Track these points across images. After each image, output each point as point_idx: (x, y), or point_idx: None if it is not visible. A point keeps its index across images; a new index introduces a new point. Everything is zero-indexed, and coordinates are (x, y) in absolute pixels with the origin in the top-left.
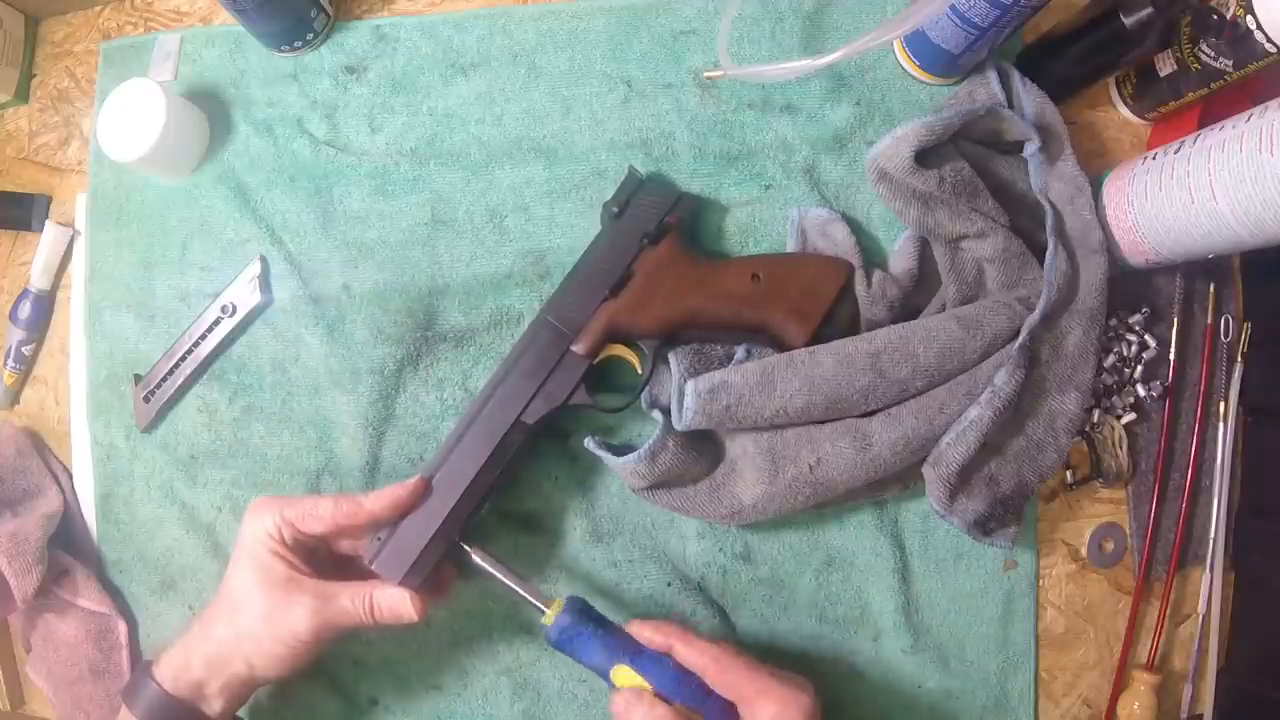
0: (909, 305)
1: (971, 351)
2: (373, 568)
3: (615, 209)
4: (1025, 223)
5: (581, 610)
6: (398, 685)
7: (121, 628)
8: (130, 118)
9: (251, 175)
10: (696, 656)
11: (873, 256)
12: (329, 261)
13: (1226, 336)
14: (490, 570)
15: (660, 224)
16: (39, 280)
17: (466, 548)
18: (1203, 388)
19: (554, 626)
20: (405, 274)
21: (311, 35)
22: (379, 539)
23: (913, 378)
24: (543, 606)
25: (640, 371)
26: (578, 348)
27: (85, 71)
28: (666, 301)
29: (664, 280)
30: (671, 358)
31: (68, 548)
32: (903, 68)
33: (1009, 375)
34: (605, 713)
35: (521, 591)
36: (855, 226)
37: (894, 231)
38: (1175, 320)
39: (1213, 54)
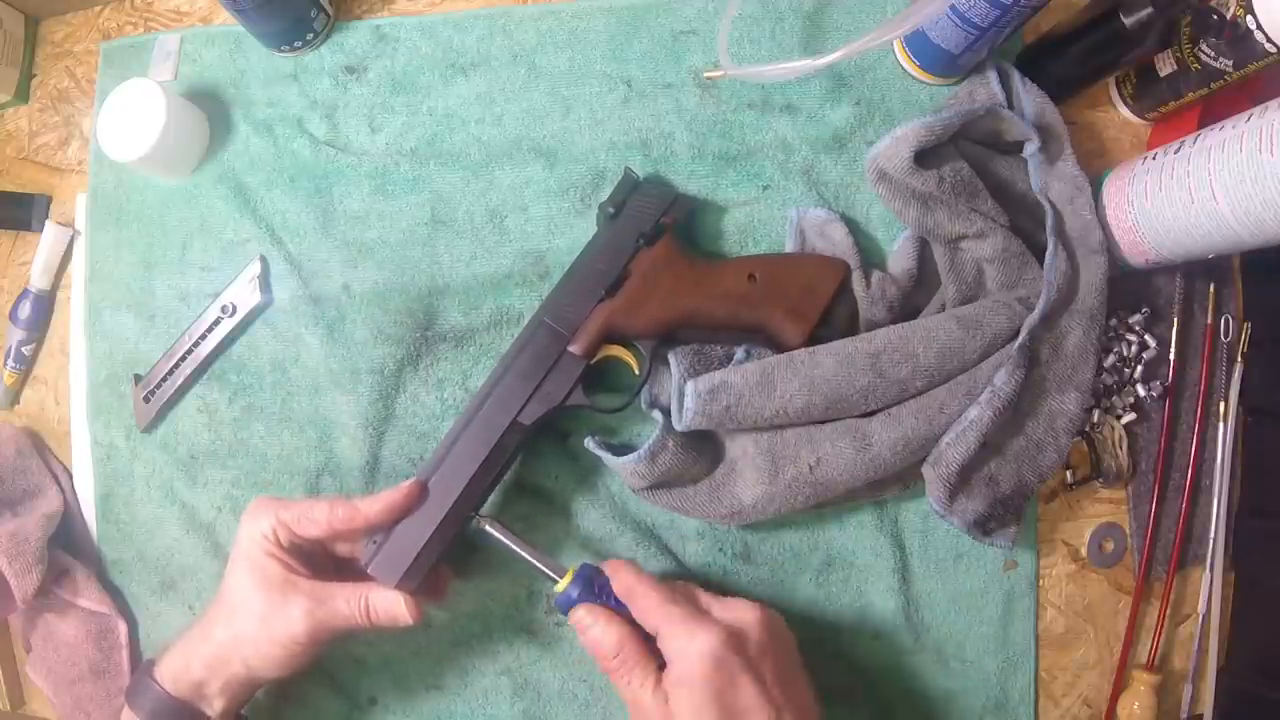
0: (908, 305)
1: (971, 351)
2: (369, 571)
3: (611, 209)
4: (1025, 223)
5: (591, 578)
6: (398, 685)
7: (121, 628)
8: (130, 118)
9: (251, 175)
10: (619, 587)
11: (871, 257)
12: (329, 261)
13: (1226, 336)
14: (503, 540)
15: (656, 224)
16: (39, 280)
17: (480, 518)
18: (1203, 388)
19: (563, 595)
20: (405, 274)
21: (311, 35)
22: (375, 542)
23: (913, 378)
24: (555, 576)
25: (637, 372)
26: (574, 348)
27: (85, 71)
28: (663, 302)
29: (660, 281)
30: (671, 358)
31: (68, 548)
32: (903, 68)
33: (1009, 375)
34: (605, 712)
35: (534, 561)
36: (854, 227)
37: (893, 231)
38: (1175, 320)
39: (1213, 54)
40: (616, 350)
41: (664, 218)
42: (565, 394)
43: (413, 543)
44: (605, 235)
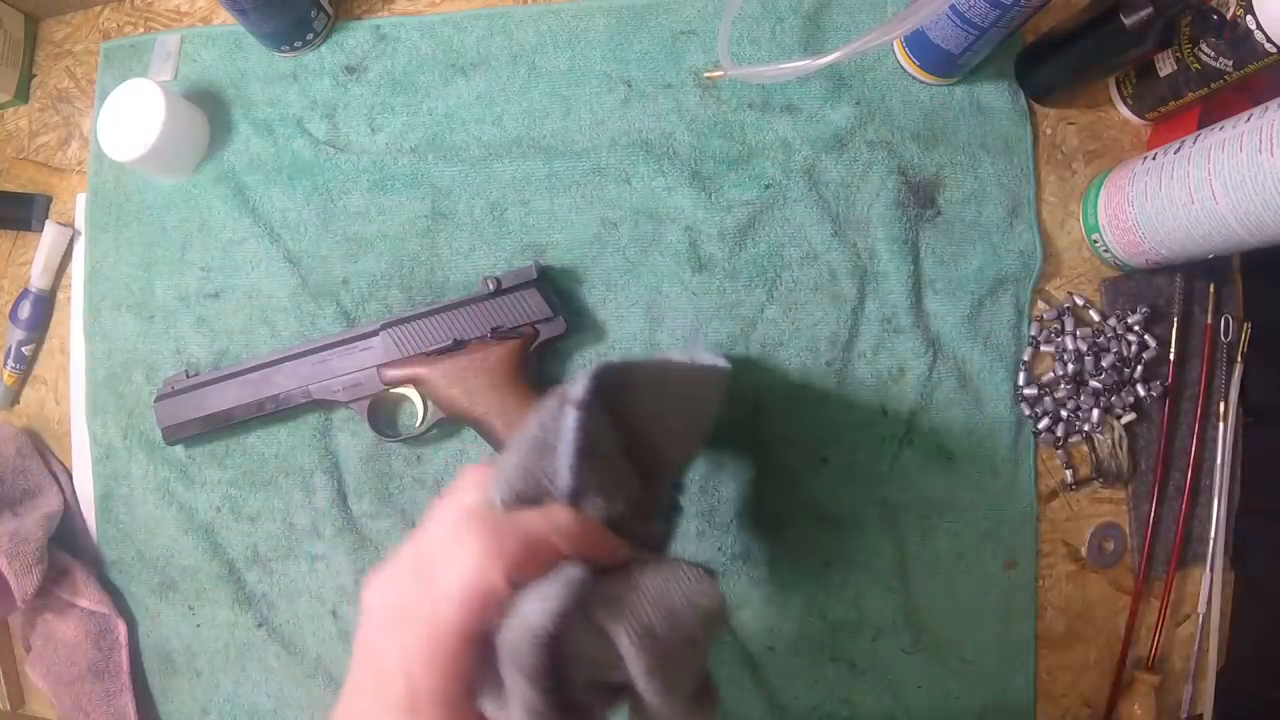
0: None
1: None
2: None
3: (492, 286)
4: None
5: None
6: None
7: (121, 628)
8: (130, 118)
9: (251, 175)
10: None
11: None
12: (329, 258)
13: (1226, 336)
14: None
15: (516, 328)
16: (39, 280)
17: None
18: (1203, 388)
19: None
20: (404, 268)
21: (311, 35)
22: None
23: None
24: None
25: (419, 417)
26: (383, 373)
27: (85, 71)
28: (465, 393)
29: (478, 376)
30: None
31: (68, 548)
32: (903, 68)
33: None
34: None
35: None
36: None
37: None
38: (1175, 320)
39: (1213, 54)
40: (409, 391)
41: (526, 325)
42: (349, 401)
43: None
44: (472, 305)
